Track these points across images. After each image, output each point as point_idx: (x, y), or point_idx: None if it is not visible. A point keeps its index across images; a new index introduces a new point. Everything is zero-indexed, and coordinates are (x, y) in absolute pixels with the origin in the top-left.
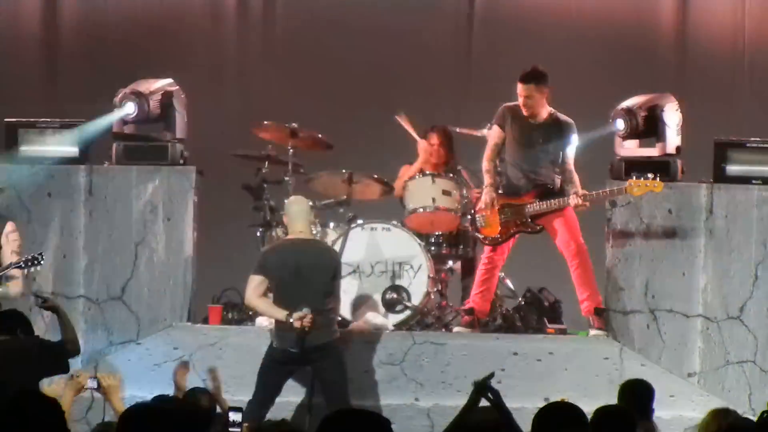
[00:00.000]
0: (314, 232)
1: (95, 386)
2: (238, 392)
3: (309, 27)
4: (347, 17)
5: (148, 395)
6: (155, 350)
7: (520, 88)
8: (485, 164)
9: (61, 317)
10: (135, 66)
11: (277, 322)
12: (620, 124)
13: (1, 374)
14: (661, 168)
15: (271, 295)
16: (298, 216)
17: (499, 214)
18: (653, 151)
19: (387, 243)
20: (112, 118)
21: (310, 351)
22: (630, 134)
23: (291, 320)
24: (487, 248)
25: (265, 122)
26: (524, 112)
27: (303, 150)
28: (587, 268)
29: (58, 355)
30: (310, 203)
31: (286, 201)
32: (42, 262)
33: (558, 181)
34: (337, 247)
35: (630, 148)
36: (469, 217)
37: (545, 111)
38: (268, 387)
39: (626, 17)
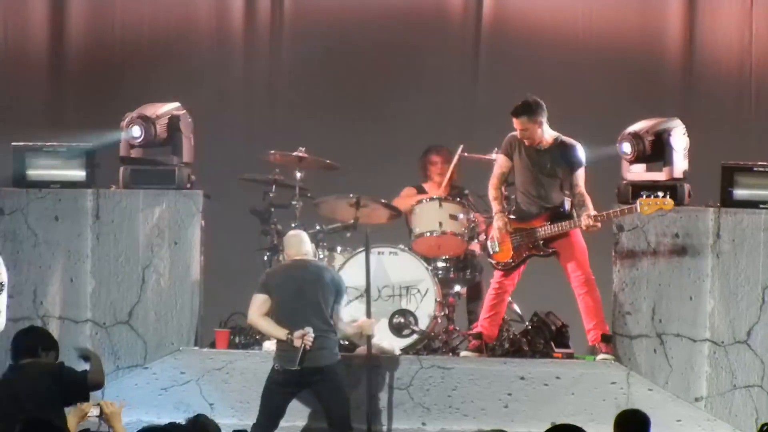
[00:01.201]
0: (322, 256)
1: (98, 413)
2: (245, 416)
3: (316, 50)
4: (354, 40)
5: (155, 419)
6: (162, 374)
7: (514, 121)
8: (492, 192)
9: (91, 360)
10: (142, 90)
11: (279, 341)
12: (627, 148)
13: (21, 400)
14: (669, 192)
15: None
16: (300, 243)
17: (511, 239)
18: (660, 175)
19: (394, 267)
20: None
21: (311, 373)
22: (637, 158)
23: (292, 339)
24: (497, 273)
25: (271, 152)
26: (525, 143)
27: (311, 173)
28: (595, 298)
29: (78, 386)
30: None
31: (285, 237)
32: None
33: (568, 204)
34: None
35: (637, 173)
36: (476, 241)
37: (549, 137)
38: (270, 409)
39: (633, 41)
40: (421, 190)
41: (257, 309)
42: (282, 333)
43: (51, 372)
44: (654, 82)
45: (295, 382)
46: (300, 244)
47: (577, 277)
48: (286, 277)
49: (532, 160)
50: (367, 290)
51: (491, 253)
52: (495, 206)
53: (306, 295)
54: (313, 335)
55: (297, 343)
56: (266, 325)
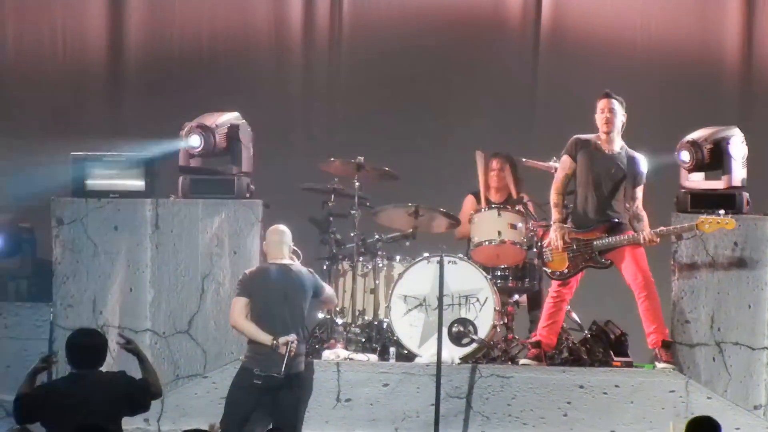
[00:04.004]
0: (381, 265)
1: None
2: (304, 426)
3: (374, 59)
4: (412, 49)
5: None
6: (222, 384)
7: (603, 102)
8: (553, 197)
9: (142, 361)
10: (201, 100)
11: (256, 346)
12: (685, 156)
13: (83, 412)
14: (727, 201)
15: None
16: (280, 243)
17: (567, 249)
18: (719, 184)
19: (453, 276)
20: (178, 145)
21: (288, 378)
22: (695, 167)
23: (277, 345)
24: (555, 282)
25: (331, 159)
26: (604, 129)
27: (369, 182)
28: (654, 301)
29: (142, 394)
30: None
31: (268, 230)
32: None
33: (627, 215)
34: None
35: (695, 181)
36: (535, 250)
37: (619, 142)
38: (240, 416)
39: (691, 48)
40: (478, 197)
41: (240, 311)
42: (267, 338)
43: (113, 383)
44: (712, 90)
45: (274, 387)
46: (280, 246)
47: (637, 282)
48: (269, 281)
49: (596, 164)
50: (440, 307)
51: (545, 261)
52: (555, 214)
53: (291, 303)
54: (296, 343)
55: (282, 350)
56: (251, 329)
